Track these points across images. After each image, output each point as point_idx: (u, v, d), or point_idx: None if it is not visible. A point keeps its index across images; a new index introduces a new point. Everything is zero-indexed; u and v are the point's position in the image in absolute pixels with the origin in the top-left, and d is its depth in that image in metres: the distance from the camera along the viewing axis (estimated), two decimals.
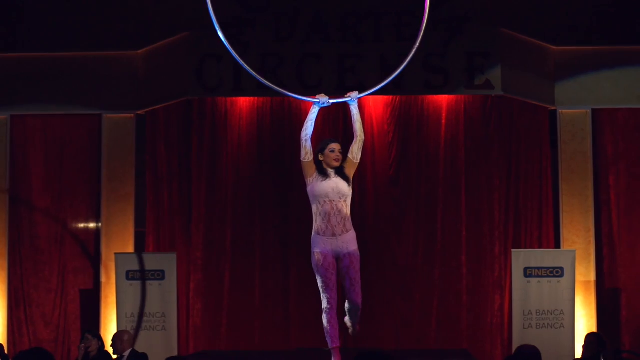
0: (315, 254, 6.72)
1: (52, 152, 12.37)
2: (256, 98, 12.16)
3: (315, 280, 11.55)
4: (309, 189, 6.80)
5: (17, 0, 12.41)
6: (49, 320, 12.19)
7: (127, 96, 12.21)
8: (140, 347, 9.85)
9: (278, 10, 11.89)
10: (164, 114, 12.27)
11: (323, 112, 11.73)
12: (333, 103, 6.86)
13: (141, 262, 11.40)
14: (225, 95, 12.05)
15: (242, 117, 12.23)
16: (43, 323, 12.20)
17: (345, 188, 6.70)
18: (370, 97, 12.01)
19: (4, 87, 12.30)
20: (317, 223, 6.72)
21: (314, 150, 6.87)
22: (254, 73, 6.85)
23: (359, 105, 7.00)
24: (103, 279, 12.08)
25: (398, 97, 12.15)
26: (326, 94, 11.37)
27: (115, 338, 9.53)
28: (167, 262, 11.47)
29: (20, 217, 12.31)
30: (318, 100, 6.80)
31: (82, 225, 12.38)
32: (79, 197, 12.36)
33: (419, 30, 6.60)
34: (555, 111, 12.24)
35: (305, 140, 6.76)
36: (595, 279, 11.99)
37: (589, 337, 9.38)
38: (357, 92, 6.76)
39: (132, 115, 12.31)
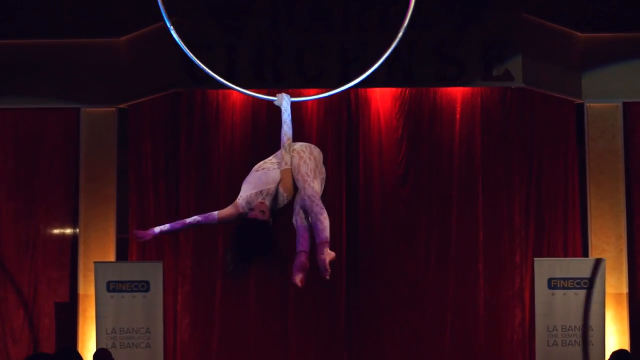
0: None
1: (25, 149, 12.16)
2: None
3: (316, 292, 11.33)
4: None
5: None
6: (18, 337, 11.97)
7: (108, 88, 12.01)
8: None
9: None
10: (149, 108, 12.02)
11: (325, 107, 11.84)
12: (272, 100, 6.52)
13: None
14: (217, 88, 11.75)
15: (235, 111, 11.99)
16: (11, 340, 11.96)
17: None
18: (377, 89, 11.88)
19: None
20: None
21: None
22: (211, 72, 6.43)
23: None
24: (81, 290, 11.85)
25: (408, 89, 11.92)
26: (329, 87, 10.81)
27: (95, 357, 9.37)
28: (152, 272, 11.30)
29: None
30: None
31: (57, 231, 12.19)
32: (54, 200, 12.14)
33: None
34: (582, 105, 12.01)
35: None
36: (627, 291, 11.76)
37: (615, 356, 8.69)
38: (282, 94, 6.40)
39: (114, 109, 12.12)
